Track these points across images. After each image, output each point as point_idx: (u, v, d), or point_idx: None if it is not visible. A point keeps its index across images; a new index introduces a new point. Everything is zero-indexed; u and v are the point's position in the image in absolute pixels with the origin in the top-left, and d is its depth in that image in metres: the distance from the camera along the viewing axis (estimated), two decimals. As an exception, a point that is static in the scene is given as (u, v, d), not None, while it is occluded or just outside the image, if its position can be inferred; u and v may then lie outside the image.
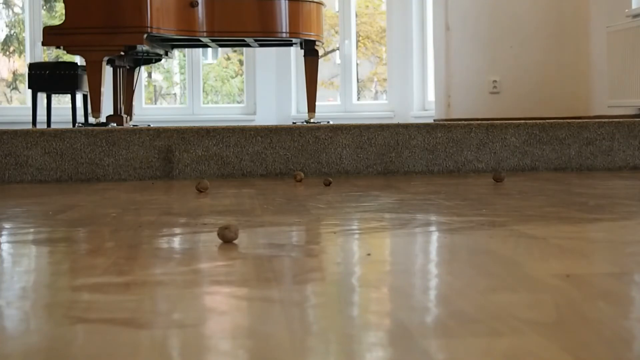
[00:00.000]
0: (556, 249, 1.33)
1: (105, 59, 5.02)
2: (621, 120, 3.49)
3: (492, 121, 3.45)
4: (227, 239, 1.38)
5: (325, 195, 2.41)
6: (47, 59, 7.46)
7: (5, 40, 7.93)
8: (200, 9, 5.08)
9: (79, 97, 6.13)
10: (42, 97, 6.12)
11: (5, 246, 1.51)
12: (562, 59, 5.81)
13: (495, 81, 5.88)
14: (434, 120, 6.01)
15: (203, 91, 7.68)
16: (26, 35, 7.48)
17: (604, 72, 5.32)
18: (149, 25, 4.90)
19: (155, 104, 8.10)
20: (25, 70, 6.64)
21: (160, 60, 5.94)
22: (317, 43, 5.55)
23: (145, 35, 4.92)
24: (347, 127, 3.35)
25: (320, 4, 5.46)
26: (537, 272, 1.13)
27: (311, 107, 5.64)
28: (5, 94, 7.97)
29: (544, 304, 0.92)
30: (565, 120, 3.45)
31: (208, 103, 7.89)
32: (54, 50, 7.27)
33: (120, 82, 5.80)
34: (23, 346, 0.77)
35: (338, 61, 7.81)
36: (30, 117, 5.86)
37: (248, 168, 3.28)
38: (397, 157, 3.30)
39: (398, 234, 1.58)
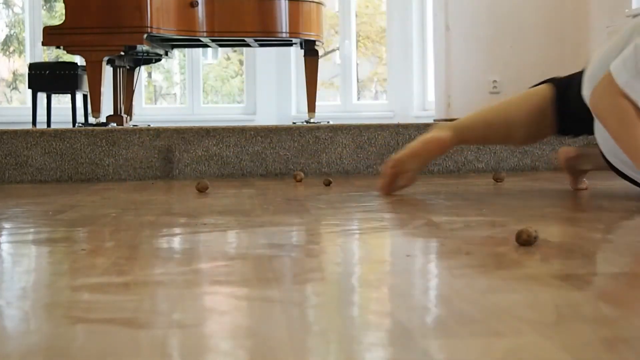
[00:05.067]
0: (556, 249, 1.33)
1: (105, 59, 5.02)
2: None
3: (492, 121, 3.44)
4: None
5: (325, 195, 2.41)
6: (47, 59, 7.46)
7: (5, 40, 7.93)
8: (200, 9, 5.08)
9: (79, 97, 6.13)
10: (42, 97, 6.12)
11: (5, 246, 1.51)
12: (562, 58, 5.81)
13: (495, 81, 5.88)
14: (434, 120, 6.00)
15: (203, 91, 7.68)
16: (26, 35, 7.48)
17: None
18: (149, 25, 4.90)
19: (155, 104, 8.10)
20: (25, 70, 6.64)
21: (160, 60, 5.94)
22: (317, 43, 5.55)
23: (145, 35, 4.92)
24: (347, 127, 3.35)
25: (320, 3, 5.46)
26: (537, 272, 1.13)
27: (311, 107, 5.64)
28: (5, 94, 7.97)
29: (544, 304, 0.92)
30: (565, 120, 3.44)
31: (208, 103, 7.89)
32: (54, 50, 7.27)
33: (120, 82, 5.80)
34: (23, 346, 0.77)
35: (338, 61, 7.80)
36: (30, 117, 5.86)
37: (248, 168, 3.28)
38: (397, 157, 3.29)
39: (398, 234, 1.58)
